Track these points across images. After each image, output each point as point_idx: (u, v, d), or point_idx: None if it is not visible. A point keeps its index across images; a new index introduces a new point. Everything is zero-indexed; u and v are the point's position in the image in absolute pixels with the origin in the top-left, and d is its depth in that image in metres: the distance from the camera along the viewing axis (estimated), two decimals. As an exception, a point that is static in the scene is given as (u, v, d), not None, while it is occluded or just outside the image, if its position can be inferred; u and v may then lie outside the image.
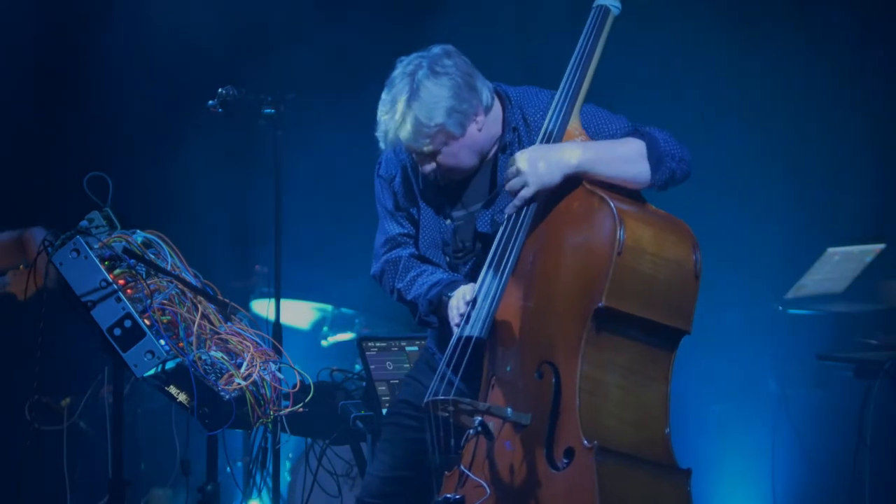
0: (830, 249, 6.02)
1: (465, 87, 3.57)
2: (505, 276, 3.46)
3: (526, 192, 3.40)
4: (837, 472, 5.56)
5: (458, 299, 3.52)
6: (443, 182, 3.69)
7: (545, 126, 3.51)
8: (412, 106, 3.52)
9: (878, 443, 5.37)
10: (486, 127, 3.64)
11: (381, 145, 3.63)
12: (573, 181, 3.40)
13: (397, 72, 3.58)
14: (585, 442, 3.22)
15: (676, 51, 6.13)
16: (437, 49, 3.60)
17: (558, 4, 6.26)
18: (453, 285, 3.63)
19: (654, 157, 3.42)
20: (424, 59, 3.57)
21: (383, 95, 3.58)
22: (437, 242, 3.75)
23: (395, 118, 3.53)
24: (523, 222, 3.46)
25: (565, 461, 3.26)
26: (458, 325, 3.50)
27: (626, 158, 3.42)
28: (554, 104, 3.52)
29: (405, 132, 3.53)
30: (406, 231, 3.80)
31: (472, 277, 3.67)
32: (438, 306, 3.66)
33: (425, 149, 3.57)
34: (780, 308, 6.06)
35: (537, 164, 3.39)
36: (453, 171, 3.65)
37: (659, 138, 3.45)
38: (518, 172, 3.41)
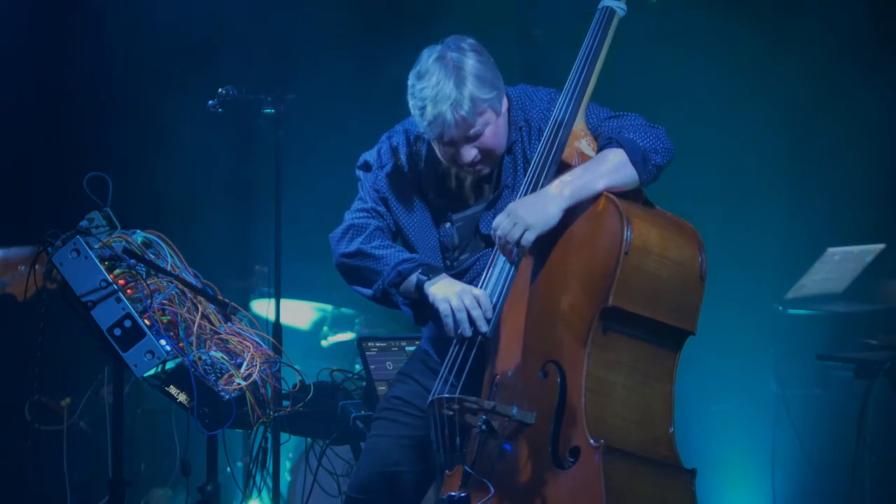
0: (830, 249, 6.03)
1: (493, 64, 3.58)
2: (510, 274, 3.46)
3: (529, 236, 3.39)
4: (837, 472, 5.56)
5: (469, 298, 3.48)
6: (475, 175, 3.64)
7: (549, 128, 3.51)
8: (465, 82, 3.49)
9: (878, 443, 5.37)
10: (506, 115, 3.64)
11: (431, 133, 3.55)
12: (570, 208, 3.42)
13: (429, 61, 3.53)
14: (592, 441, 3.23)
15: (677, 50, 6.13)
16: (449, 38, 3.59)
17: (558, 4, 6.26)
18: (430, 268, 3.60)
19: (638, 159, 3.43)
20: (448, 45, 3.56)
21: (422, 84, 3.52)
22: (434, 247, 3.74)
23: (450, 99, 3.47)
24: None
25: (571, 460, 3.26)
26: (456, 327, 3.49)
27: (611, 171, 3.42)
28: (559, 105, 3.52)
29: (464, 109, 3.48)
30: (380, 209, 3.76)
31: (472, 278, 3.67)
32: (404, 283, 3.61)
33: (476, 128, 3.52)
34: (780, 308, 6.07)
35: (532, 211, 3.39)
36: (492, 155, 3.60)
37: (636, 138, 3.45)
38: (516, 220, 3.39)
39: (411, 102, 3.57)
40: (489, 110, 3.54)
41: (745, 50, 6.24)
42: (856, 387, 5.36)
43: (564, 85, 3.54)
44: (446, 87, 3.49)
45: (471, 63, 3.52)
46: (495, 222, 3.44)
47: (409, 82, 3.57)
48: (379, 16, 6.57)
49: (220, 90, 4.89)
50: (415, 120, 3.59)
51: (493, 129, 3.57)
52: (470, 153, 3.57)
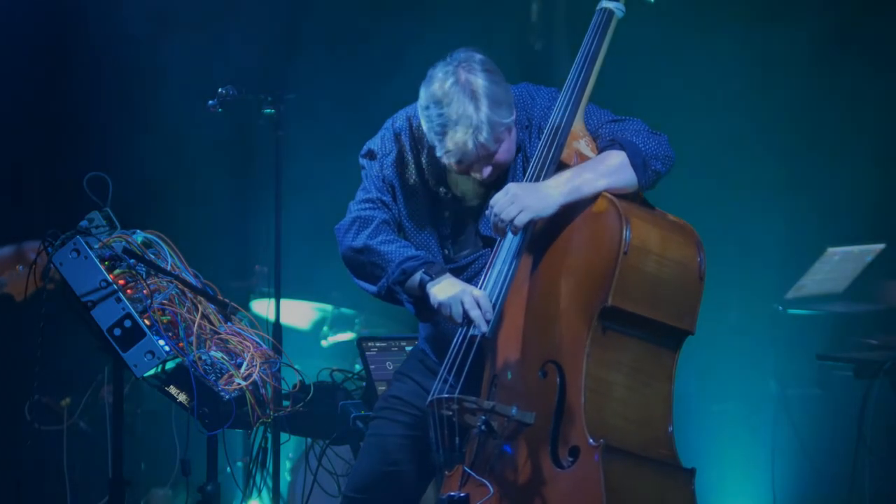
0: (830, 249, 6.03)
1: (503, 79, 3.58)
2: (510, 274, 3.47)
3: (523, 217, 3.40)
4: (837, 472, 5.56)
5: (469, 298, 3.48)
6: (486, 180, 3.63)
7: (549, 126, 3.52)
8: (483, 108, 3.49)
9: (878, 443, 5.37)
10: (514, 126, 3.65)
11: (450, 159, 3.54)
12: (569, 206, 3.43)
13: (446, 86, 3.51)
14: (591, 441, 3.24)
15: (676, 49, 6.13)
16: (460, 53, 3.57)
17: (557, 4, 6.27)
18: (434, 268, 3.61)
19: (638, 162, 3.45)
20: (461, 64, 3.54)
21: (439, 110, 3.51)
22: (433, 234, 3.74)
23: (470, 128, 3.48)
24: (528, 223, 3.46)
25: (570, 460, 3.27)
26: (463, 324, 3.49)
27: (611, 172, 3.44)
28: (558, 105, 3.53)
29: (483, 136, 3.48)
30: (385, 199, 3.76)
31: (471, 276, 3.68)
32: (408, 281, 3.61)
33: (493, 148, 3.53)
34: (780, 308, 6.07)
35: (531, 195, 3.41)
36: (502, 167, 3.62)
37: (638, 142, 3.48)
38: (514, 200, 3.40)
39: (426, 125, 3.57)
40: (506, 131, 3.55)
41: (743, 49, 6.24)
42: (856, 387, 5.36)
43: (563, 85, 3.55)
44: (464, 114, 3.48)
45: (485, 84, 3.51)
46: (493, 199, 3.45)
47: (423, 103, 3.56)
48: (379, 14, 6.57)
49: (220, 90, 4.89)
50: (428, 140, 3.59)
51: (507, 146, 3.58)
52: (487, 170, 3.59)
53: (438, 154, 3.57)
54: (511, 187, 3.44)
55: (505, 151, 3.58)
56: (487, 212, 3.48)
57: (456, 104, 3.49)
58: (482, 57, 3.57)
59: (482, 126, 3.49)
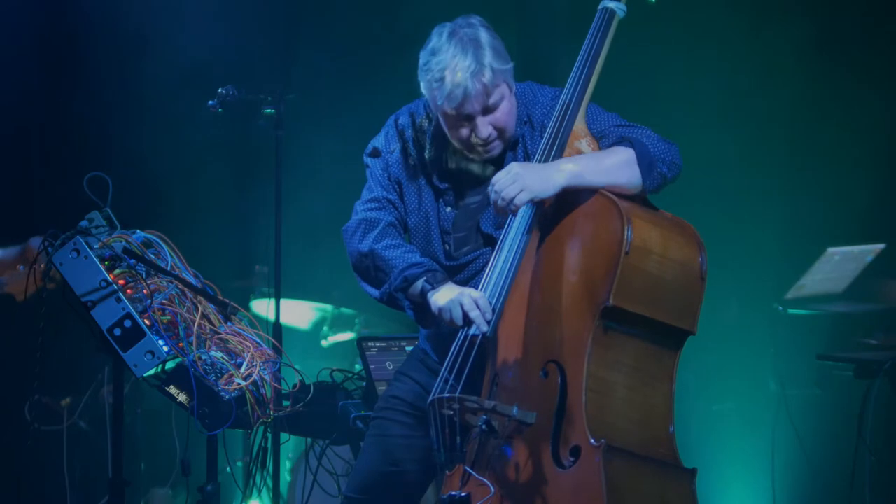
0: (830, 249, 6.03)
1: (502, 42, 3.60)
2: (511, 274, 3.47)
3: (523, 197, 3.40)
4: (837, 472, 5.56)
5: (468, 300, 3.49)
6: (485, 156, 3.64)
7: (551, 127, 3.52)
8: (483, 52, 3.50)
9: (878, 443, 5.36)
10: (515, 99, 3.65)
11: (450, 104, 3.52)
12: (568, 192, 3.43)
13: (443, 38, 3.53)
14: (593, 440, 3.24)
15: (676, 49, 6.13)
16: (457, 18, 3.60)
17: (558, 5, 6.26)
18: (435, 274, 3.61)
19: (645, 163, 3.45)
20: (457, 23, 3.57)
21: (437, 58, 3.51)
22: (434, 229, 3.74)
23: (469, 68, 3.48)
24: (531, 222, 3.47)
25: (572, 459, 3.27)
26: (464, 326, 3.49)
27: (616, 167, 3.44)
28: (560, 104, 3.53)
29: (486, 77, 3.49)
30: (391, 198, 3.76)
31: (473, 274, 3.68)
32: (410, 288, 3.63)
33: (494, 98, 3.53)
34: (780, 308, 6.07)
35: (533, 175, 3.41)
36: (504, 134, 3.61)
37: (647, 143, 3.48)
38: (515, 179, 3.40)
39: (426, 77, 3.56)
40: (504, 83, 3.55)
41: (744, 49, 6.24)
42: (856, 387, 5.35)
43: (565, 85, 3.55)
44: (465, 57, 3.50)
45: (485, 36, 3.54)
46: (495, 177, 3.45)
47: (422, 60, 3.58)
48: (378, 14, 6.57)
49: (220, 90, 4.89)
50: (428, 97, 3.59)
51: (507, 107, 3.58)
52: (486, 129, 3.57)
53: (440, 102, 3.55)
54: (514, 166, 3.43)
55: (506, 112, 3.58)
56: (489, 188, 3.47)
57: (454, 49, 3.51)
58: (480, 18, 3.60)
59: (483, 68, 3.50)
